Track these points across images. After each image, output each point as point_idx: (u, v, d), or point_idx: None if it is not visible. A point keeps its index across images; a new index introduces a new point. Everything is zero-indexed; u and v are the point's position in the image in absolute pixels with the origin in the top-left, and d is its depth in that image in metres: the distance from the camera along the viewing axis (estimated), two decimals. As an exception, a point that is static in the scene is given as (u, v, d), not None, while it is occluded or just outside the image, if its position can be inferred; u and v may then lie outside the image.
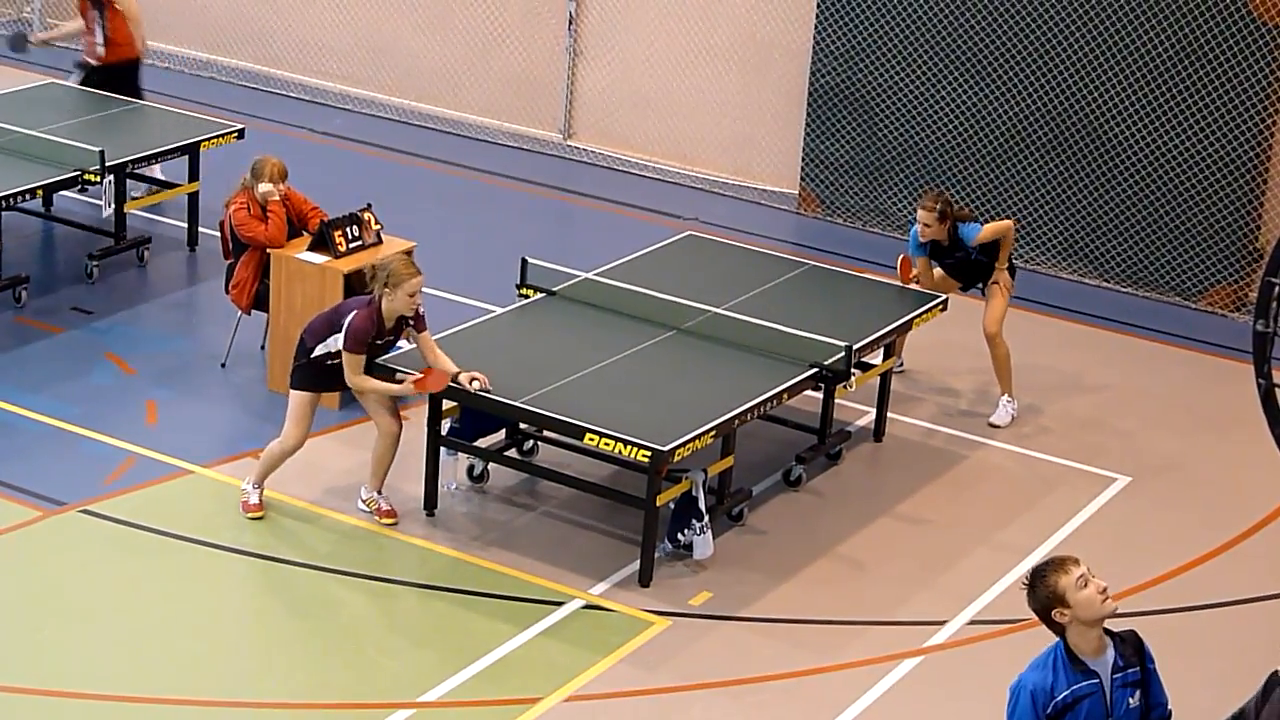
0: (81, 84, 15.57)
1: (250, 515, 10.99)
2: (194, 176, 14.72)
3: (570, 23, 17.35)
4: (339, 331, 10.75)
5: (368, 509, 11.10)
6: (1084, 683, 6.99)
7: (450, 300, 13.71)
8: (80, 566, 10.52)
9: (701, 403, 10.81)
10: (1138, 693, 6.99)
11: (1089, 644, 6.99)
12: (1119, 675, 6.99)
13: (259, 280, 12.63)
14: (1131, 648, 7.04)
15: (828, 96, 16.18)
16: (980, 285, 12.91)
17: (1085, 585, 6.89)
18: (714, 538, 10.83)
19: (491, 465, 11.56)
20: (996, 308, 12.69)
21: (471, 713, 9.47)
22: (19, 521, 10.87)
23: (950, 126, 15.76)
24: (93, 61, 15.56)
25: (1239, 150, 14.75)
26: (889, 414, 12.60)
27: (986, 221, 12.97)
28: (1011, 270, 12.85)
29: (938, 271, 12.90)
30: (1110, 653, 6.99)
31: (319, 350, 10.84)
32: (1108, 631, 7.04)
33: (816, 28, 16.12)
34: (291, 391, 10.94)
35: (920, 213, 12.54)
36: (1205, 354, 14.36)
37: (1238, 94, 14.65)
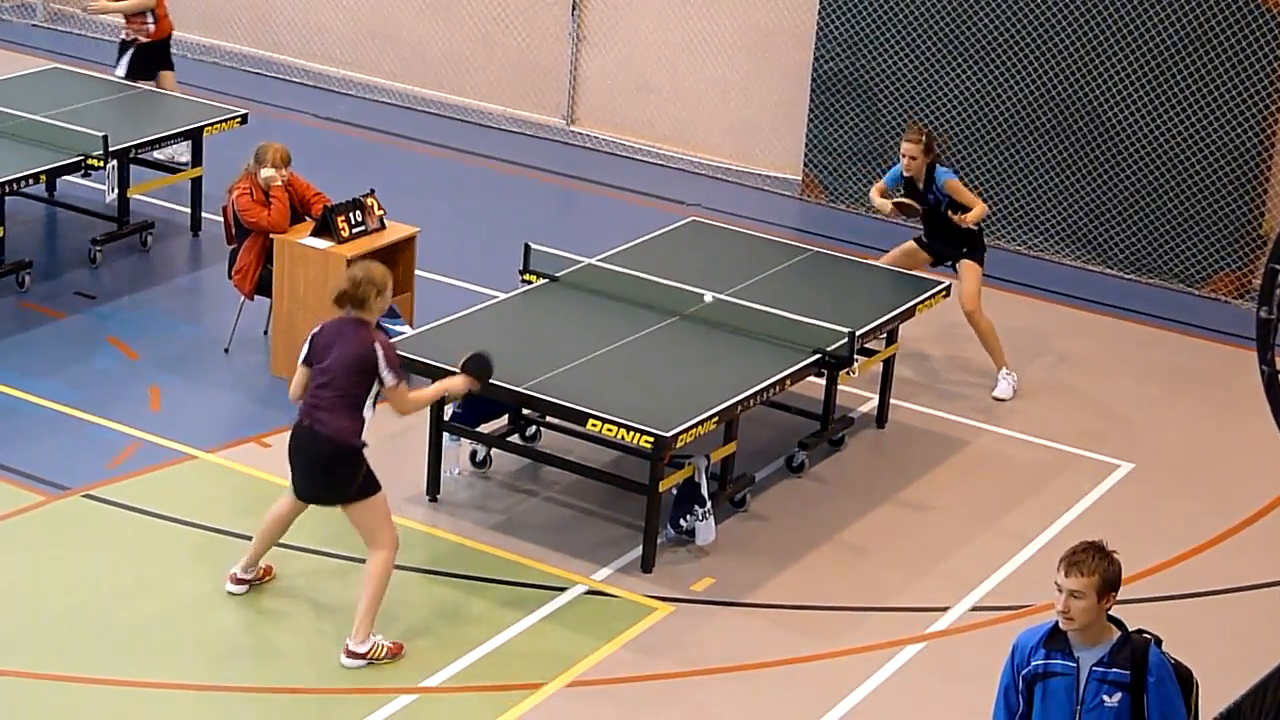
0: (130, 64, 15.61)
1: (394, 657, 9.68)
2: (197, 161, 14.71)
3: (574, 8, 17.33)
4: (366, 394, 9.46)
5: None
6: (1058, 661, 6.98)
7: (454, 285, 13.70)
8: (83, 551, 10.53)
9: (704, 389, 10.81)
10: (1119, 694, 6.91)
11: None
12: (1099, 669, 6.94)
13: (262, 265, 12.63)
14: (1130, 652, 6.93)
15: (831, 82, 16.16)
16: (951, 263, 12.97)
17: (1058, 589, 6.89)
18: (716, 523, 10.84)
19: (494, 451, 11.56)
20: (970, 284, 12.80)
21: (474, 698, 9.48)
22: (22, 506, 10.88)
23: (954, 112, 15.74)
24: (143, 39, 15.63)
25: (1243, 137, 14.73)
26: (892, 400, 12.61)
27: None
28: (982, 249, 12.90)
29: (908, 244, 13.04)
30: (1106, 646, 6.96)
31: (364, 434, 9.56)
32: (1122, 629, 7.00)
33: (820, 13, 16.10)
34: (368, 500, 9.59)
35: (905, 144, 12.57)
36: (1208, 341, 14.34)
37: (1242, 80, 14.63)
